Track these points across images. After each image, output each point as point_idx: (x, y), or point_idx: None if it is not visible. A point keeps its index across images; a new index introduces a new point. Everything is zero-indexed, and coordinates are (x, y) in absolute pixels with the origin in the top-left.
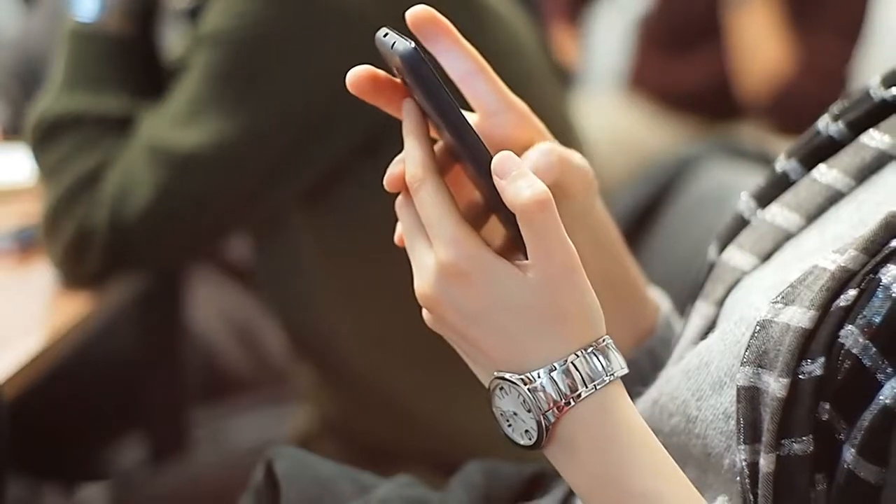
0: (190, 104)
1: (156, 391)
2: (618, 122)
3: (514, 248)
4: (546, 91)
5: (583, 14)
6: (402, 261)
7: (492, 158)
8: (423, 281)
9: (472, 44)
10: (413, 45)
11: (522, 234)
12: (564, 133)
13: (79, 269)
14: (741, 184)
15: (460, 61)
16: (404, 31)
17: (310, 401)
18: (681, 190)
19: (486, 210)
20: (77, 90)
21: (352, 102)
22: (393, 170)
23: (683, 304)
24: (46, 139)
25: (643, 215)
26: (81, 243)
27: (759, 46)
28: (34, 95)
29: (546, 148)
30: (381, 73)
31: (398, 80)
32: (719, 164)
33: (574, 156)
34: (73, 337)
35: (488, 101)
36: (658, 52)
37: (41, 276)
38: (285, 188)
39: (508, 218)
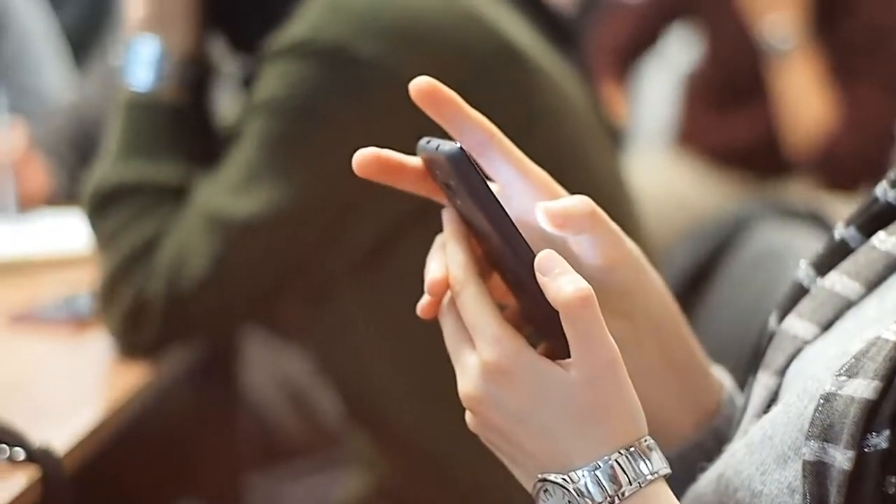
0: (244, 172)
1: (211, 457)
2: (666, 180)
3: (555, 348)
4: (597, 152)
5: (631, 71)
6: None
7: (535, 256)
8: (466, 382)
9: (522, 105)
10: (459, 146)
11: (565, 331)
12: (615, 195)
13: (136, 339)
14: (794, 245)
15: (471, 132)
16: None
17: (363, 465)
18: (734, 250)
19: (525, 316)
20: (132, 159)
21: None
22: (434, 275)
23: (740, 368)
24: (103, 208)
25: (697, 276)
26: (138, 313)
27: (803, 102)
28: (88, 162)
29: (588, 203)
30: (388, 154)
31: (415, 164)
32: (771, 224)
33: (619, 230)
34: (132, 407)
35: (503, 170)
36: (706, 108)
37: (98, 345)
38: (339, 255)
39: (550, 316)
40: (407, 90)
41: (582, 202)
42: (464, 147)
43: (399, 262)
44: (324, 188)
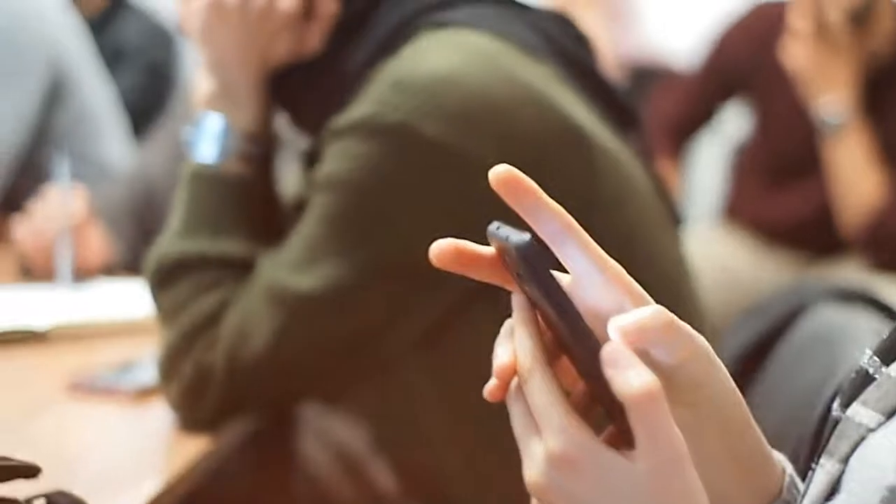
0: (307, 247)
1: None
2: (715, 253)
3: (620, 437)
4: (659, 233)
5: (686, 148)
6: None
7: (601, 348)
8: (532, 469)
9: (586, 187)
10: (529, 237)
11: (631, 424)
12: (677, 276)
13: (196, 412)
14: (851, 327)
15: (548, 222)
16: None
17: None
18: (791, 330)
19: (593, 400)
20: (196, 232)
21: None
22: (502, 360)
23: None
24: (165, 281)
25: (753, 355)
26: (199, 385)
27: (854, 179)
28: (148, 232)
29: (660, 314)
30: (465, 245)
31: (490, 253)
32: (828, 305)
33: (687, 329)
34: (192, 476)
35: (578, 261)
36: (757, 182)
37: (157, 414)
38: (401, 331)
39: (615, 407)
40: (468, 169)
41: (656, 316)
42: (538, 236)
43: (461, 336)
44: (385, 264)
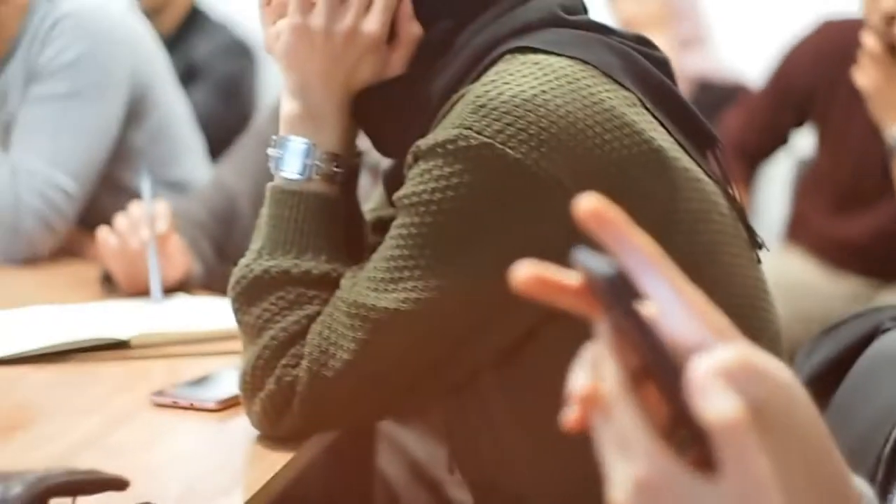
0: (390, 266)
1: None
2: (781, 276)
3: (704, 463)
4: (738, 257)
5: (757, 171)
6: None
7: (686, 375)
8: (618, 494)
9: (665, 208)
10: (615, 269)
11: (717, 450)
12: (755, 297)
13: (279, 427)
14: None
15: (634, 254)
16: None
17: None
18: (865, 352)
19: (676, 425)
20: (280, 251)
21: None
22: (584, 388)
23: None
24: (250, 298)
25: (827, 377)
26: (282, 401)
27: None
28: (228, 247)
29: (742, 357)
30: (549, 274)
31: (573, 280)
32: None
33: (770, 366)
34: (274, 488)
35: (662, 294)
36: (824, 205)
37: (239, 427)
38: (480, 350)
39: (700, 433)
40: (551, 191)
41: (738, 359)
42: (623, 267)
43: (539, 356)
44: (467, 284)
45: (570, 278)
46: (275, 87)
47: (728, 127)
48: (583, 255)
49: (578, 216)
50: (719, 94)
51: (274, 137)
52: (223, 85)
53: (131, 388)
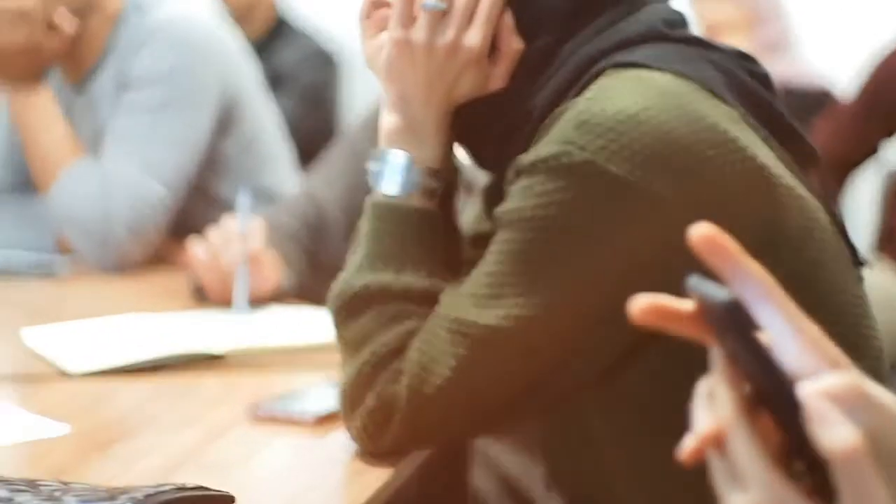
0: (490, 283)
1: None
2: (870, 290)
3: (821, 491)
4: (841, 273)
5: (848, 184)
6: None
7: (803, 405)
8: None
9: (770, 226)
10: (730, 297)
11: (835, 479)
12: (859, 318)
13: (378, 443)
14: None
15: (748, 284)
16: (704, 218)
17: None
18: None
19: (792, 454)
20: (380, 265)
21: (648, 286)
22: (703, 425)
23: None
24: (349, 313)
25: None
26: (382, 417)
27: None
28: (317, 256)
29: (853, 385)
30: (666, 303)
31: (688, 308)
32: None
33: (879, 394)
34: None
35: (775, 324)
36: None
37: (338, 444)
38: (581, 368)
39: (817, 462)
40: (653, 208)
41: (850, 386)
42: (737, 295)
43: (642, 374)
44: (568, 301)
45: (684, 306)
46: (358, 97)
47: (816, 137)
48: (697, 283)
49: (692, 243)
50: (804, 100)
51: (373, 151)
52: (307, 94)
53: (227, 401)
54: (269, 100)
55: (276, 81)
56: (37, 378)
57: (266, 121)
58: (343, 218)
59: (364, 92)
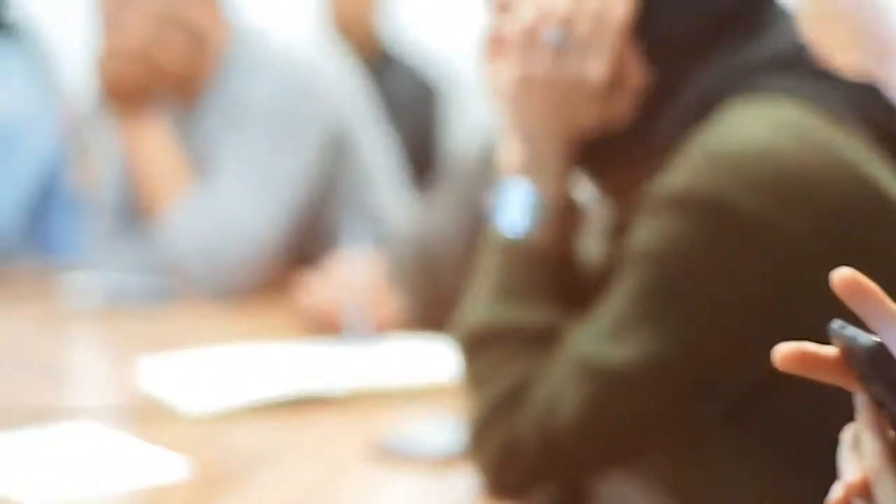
0: (617, 321)
1: None
2: None
3: None
4: None
5: None
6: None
7: None
8: None
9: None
10: (874, 343)
11: None
12: None
13: (505, 481)
14: None
15: (891, 329)
16: (837, 254)
17: None
18: None
19: None
20: (504, 301)
21: (778, 323)
22: (851, 477)
23: None
24: (474, 350)
25: None
26: (509, 455)
27: None
28: (430, 288)
29: None
30: (810, 349)
31: (832, 353)
32: None
33: None
34: None
35: None
36: None
37: (460, 483)
38: (711, 405)
39: None
40: (784, 245)
41: None
42: (882, 341)
43: (774, 409)
44: (697, 338)
45: (828, 352)
46: (461, 127)
47: None
48: (841, 328)
49: (834, 288)
50: None
51: (494, 184)
52: (411, 124)
53: (347, 438)
54: (379, 129)
55: (380, 111)
56: (154, 413)
57: (377, 151)
58: (456, 249)
59: (467, 122)
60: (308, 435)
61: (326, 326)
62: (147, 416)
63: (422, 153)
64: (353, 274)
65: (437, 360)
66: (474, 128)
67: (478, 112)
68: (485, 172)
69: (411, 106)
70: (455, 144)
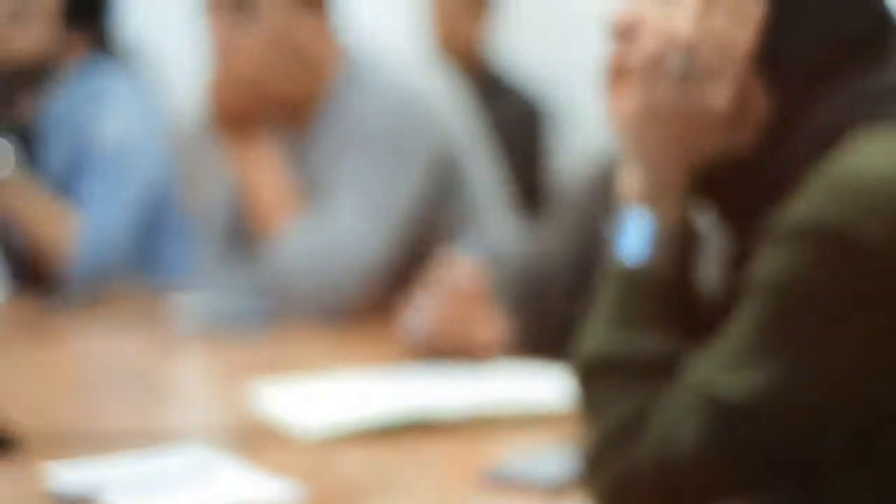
0: (738, 352)
1: None
2: None
3: None
4: None
5: None
6: None
7: None
8: None
9: None
10: None
11: None
12: None
13: None
14: None
15: None
16: None
17: None
18: None
19: None
20: (621, 331)
21: None
22: None
23: None
24: (591, 378)
25: None
26: (625, 485)
27: None
28: (541, 314)
29: None
30: None
31: None
32: None
33: None
34: None
35: None
36: None
37: None
38: (832, 440)
39: None
40: None
41: None
42: None
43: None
44: (820, 370)
45: None
46: (568, 151)
47: None
48: None
49: None
50: None
51: (608, 209)
52: (518, 148)
53: (459, 465)
54: (487, 152)
55: (487, 134)
56: (264, 437)
57: (485, 176)
58: (567, 276)
59: (574, 147)
60: (418, 461)
61: (433, 351)
62: (257, 441)
63: (529, 176)
64: (461, 297)
65: (549, 385)
66: (583, 151)
67: (587, 135)
68: (597, 196)
69: (518, 128)
70: (563, 167)
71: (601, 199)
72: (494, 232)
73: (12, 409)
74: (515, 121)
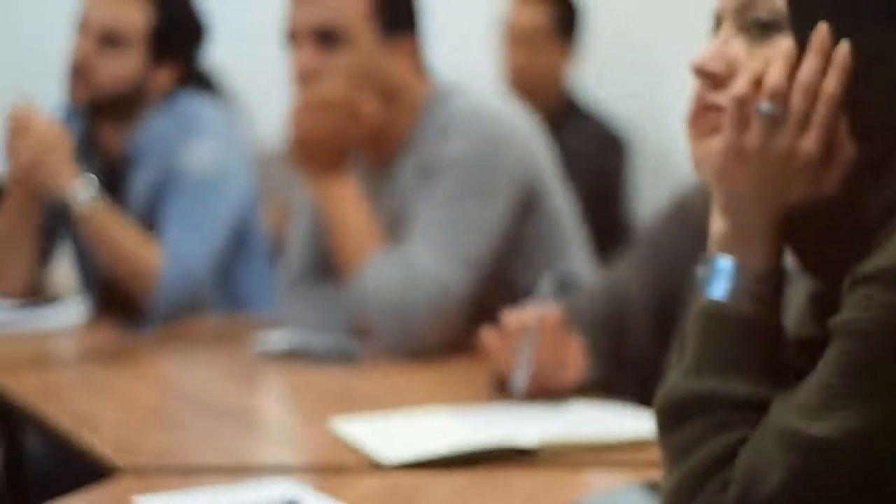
0: (823, 394)
1: None
2: None
3: None
4: None
5: None
6: None
7: None
8: None
9: None
10: None
11: None
12: None
13: None
14: None
15: None
16: None
17: None
18: None
19: None
20: (707, 371)
21: None
22: None
23: None
24: (675, 419)
25: None
26: None
27: None
28: (618, 351)
29: None
30: None
31: None
32: None
33: None
34: None
35: None
36: None
37: None
38: None
39: None
40: None
41: None
42: None
43: None
44: None
45: None
46: (647, 183)
47: None
48: None
49: None
50: None
51: (692, 250)
52: (595, 179)
53: (540, 499)
54: (564, 185)
55: (563, 166)
56: (347, 469)
57: (564, 207)
58: (646, 316)
59: (653, 178)
60: (501, 494)
61: (528, 396)
62: (339, 471)
63: (606, 209)
64: (549, 341)
65: (632, 422)
66: (662, 184)
67: (666, 168)
68: (675, 233)
69: (596, 159)
70: (640, 199)
71: (681, 237)
72: (572, 264)
73: (98, 438)
74: (593, 151)
